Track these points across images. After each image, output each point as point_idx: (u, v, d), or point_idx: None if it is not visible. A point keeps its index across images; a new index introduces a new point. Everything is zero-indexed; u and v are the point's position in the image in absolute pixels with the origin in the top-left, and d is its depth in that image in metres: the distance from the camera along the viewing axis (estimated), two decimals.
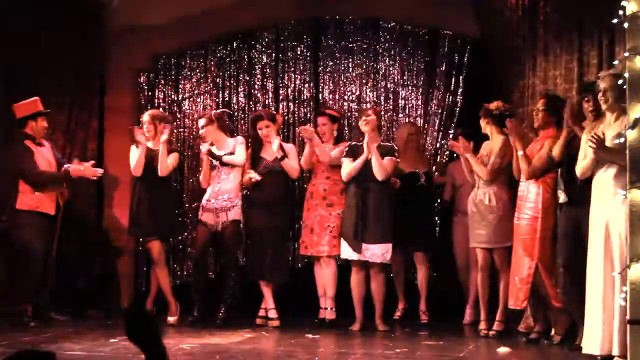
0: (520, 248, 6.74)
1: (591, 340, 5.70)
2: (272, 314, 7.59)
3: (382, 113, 8.24)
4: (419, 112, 8.87)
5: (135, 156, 7.70)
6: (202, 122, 7.79)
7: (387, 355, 6.24)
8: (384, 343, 6.87)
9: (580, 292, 6.31)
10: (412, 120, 8.69)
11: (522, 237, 6.74)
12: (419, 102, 8.88)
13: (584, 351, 5.77)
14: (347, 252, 7.48)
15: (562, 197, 6.47)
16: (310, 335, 7.05)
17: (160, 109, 8.37)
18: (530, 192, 6.73)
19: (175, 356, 6.06)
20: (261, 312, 7.68)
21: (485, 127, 7.25)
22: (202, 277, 7.86)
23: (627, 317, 5.12)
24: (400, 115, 8.91)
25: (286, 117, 8.91)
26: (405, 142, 8.05)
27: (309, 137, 7.62)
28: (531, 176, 6.66)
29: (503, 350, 6.38)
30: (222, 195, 7.66)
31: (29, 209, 7.39)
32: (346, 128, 8.85)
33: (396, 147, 7.68)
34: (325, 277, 7.64)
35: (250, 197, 7.91)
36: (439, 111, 8.80)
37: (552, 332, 6.77)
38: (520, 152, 6.67)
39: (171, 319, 7.65)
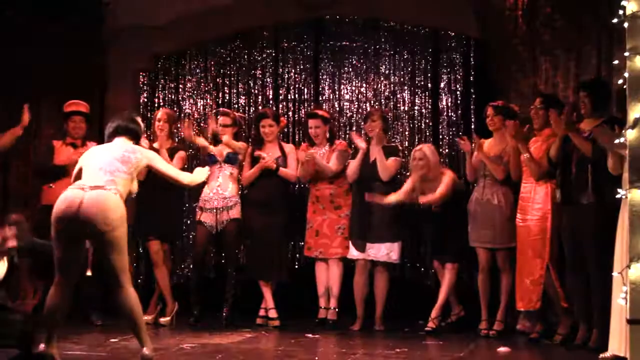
0: (530, 249, 6.73)
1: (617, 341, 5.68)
2: (272, 313, 7.60)
3: (389, 115, 8.18)
4: (419, 112, 8.86)
5: None
6: (227, 120, 7.78)
7: (387, 355, 6.24)
8: (384, 343, 6.87)
9: (582, 291, 6.35)
10: (422, 144, 7.86)
11: (531, 239, 6.73)
12: (419, 103, 8.87)
13: (609, 351, 5.74)
14: (352, 250, 7.54)
15: (558, 197, 6.52)
16: (310, 335, 7.06)
17: (166, 108, 8.37)
18: (537, 194, 6.73)
19: (175, 356, 6.07)
20: (261, 312, 7.69)
21: (499, 125, 7.21)
22: (202, 278, 7.85)
23: (627, 317, 5.11)
24: (401, 115, 8.91)
25: (286, 117, 8.90)
26: (413, 171, 7.53)
27: (309, 160, 7.61)
28: (541, 177, 6.67)
29: (503, 350, 6.39)
30: (222, 194, 7.67)
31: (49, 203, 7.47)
32: (347, 127, 8.89)
33: (400, 148, 7.70)
34: (332, 277, 7.65)
35: (249, 196, 7.91)
36: (440, 111, 8.79)
37: (555, 332, 6.78)
38: (526, 155, 6.67)
39: (162, 320, 7.64)
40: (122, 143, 5.60)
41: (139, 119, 5.80)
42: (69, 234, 5.30)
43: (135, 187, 5.61)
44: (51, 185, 7.55)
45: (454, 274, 7.40)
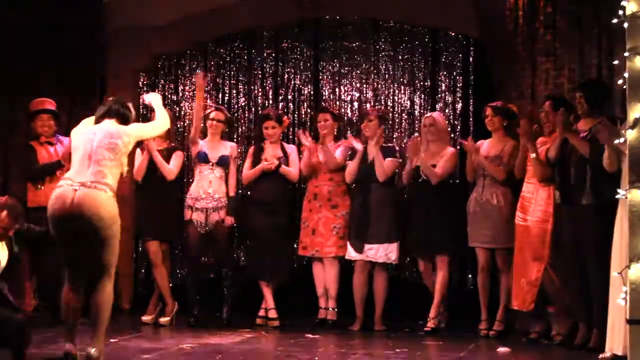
0: (529, 250, 6.74)
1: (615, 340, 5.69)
2: (272, 314, 7.60)
3: (387, 115, 8.18)
4: (420, 112, 8.86)
5: (139, 161, 7.68)
6: (220, 115, 7.79)
7: (387, 355, 6.25)
8: (384, 343, 6.88)
9: (582, 292, 6.35)
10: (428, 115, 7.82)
11: (531, 240, 6.73)
12: (418, 103, 8.87)
13: (606, 350, 5.75)
14: (350, 252, 7.54)
15: (557, 197, 6.54)
16: (310, 335, 7.06)
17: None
18: (540, 195, 6.74)
19: (175, 356, 6.07)
20: (261, 312, 7.69)
21: (498, 126, 7.23)
22: (199, 277, 7.85)
23: (627, 317, 5.12)
24: (399, 115, 8.91)
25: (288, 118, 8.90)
26: (423, 138, 7.57)
27: (321, 144, 7.62)
28: (544, 178, 6.67)
29: (503, 350, 6.39)
30: (213, 195, 7.66)
31: (37, 205, 7.46)
32: (348, 127, 8.89)
33: (397, 148, 7.70)
34: (328, 278, 7.64)
35: (252, 196, 7.93)
36: (440, 112, 8.78)
37: (554, 332, 6.78)
38: (533, 155, 6.68)
39: (162, 320, 7.63)
40: (109, 126, 5.53)
41: (130, 104, 5.76)
42: (66, 232, 5.32)
43: (125, 168, 5.61)
44: (40, 186, 7.54)
45: (446, 269, 7.37)
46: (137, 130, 5.68)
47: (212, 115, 7.81)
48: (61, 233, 5.35)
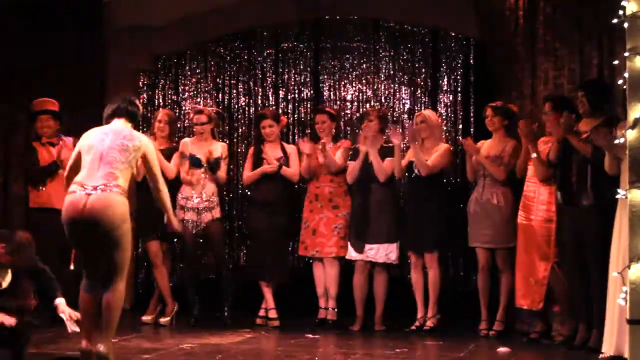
0: (534, 249, 6.75)
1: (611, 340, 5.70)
2: (272, 314, 7.60)
3: (387, 114, 8.17)
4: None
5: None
6: (202, 118, 7.77)
7: (387, 355, 6.25)
8: (384, 343, 6.88)
9: (582, 292, 6.35)
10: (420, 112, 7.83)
11: (536, 239, 6.74)
12: (419, 103, 8.88)
13: (603, 349, 5.76)
14: (350, 252, 7.55)
15: (559, 197, 6.53)
16: (310, 335, 7.06)
17: (166, 109, 8.39)
18: (542, 195, 6.75)
19: (175, 356, 6.07)
20: (261, 312, 7.69)
21: (499, 126, 7.23)
22: (199, 277, 7.85)
23: (627, 317, 5.12)
24: (399, 115, 8.92)
25: (286, 117, 8.90)
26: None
27: (322, 150, 7.59)
28: (546, 178, 6.68)
29: (503, 350, 6.39)
30: (206, 195, 7.65)
31: (38, 206, 7.45)
32: (348, 128, 8.89)
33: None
34: (328, 278, 7.64)
35: (253, 196, 7.93)
36: (441, 112, 8.80)
37: (554, 332, 6.78)
38: (534, 155, 6.68)
39: (162, 320, 7.64)
40: (120, 126, 5.53)
41: (137, 102, 5.75)
42: (79, 235, 5.35)
43: (136, 171, 5.60)
44: (41, 188, 7.55)
45: (436, 267, 7.37)
46: (149, 149, 5.58)
47: (194, 120, 7.81)
48: (74, 236, 5.38)
